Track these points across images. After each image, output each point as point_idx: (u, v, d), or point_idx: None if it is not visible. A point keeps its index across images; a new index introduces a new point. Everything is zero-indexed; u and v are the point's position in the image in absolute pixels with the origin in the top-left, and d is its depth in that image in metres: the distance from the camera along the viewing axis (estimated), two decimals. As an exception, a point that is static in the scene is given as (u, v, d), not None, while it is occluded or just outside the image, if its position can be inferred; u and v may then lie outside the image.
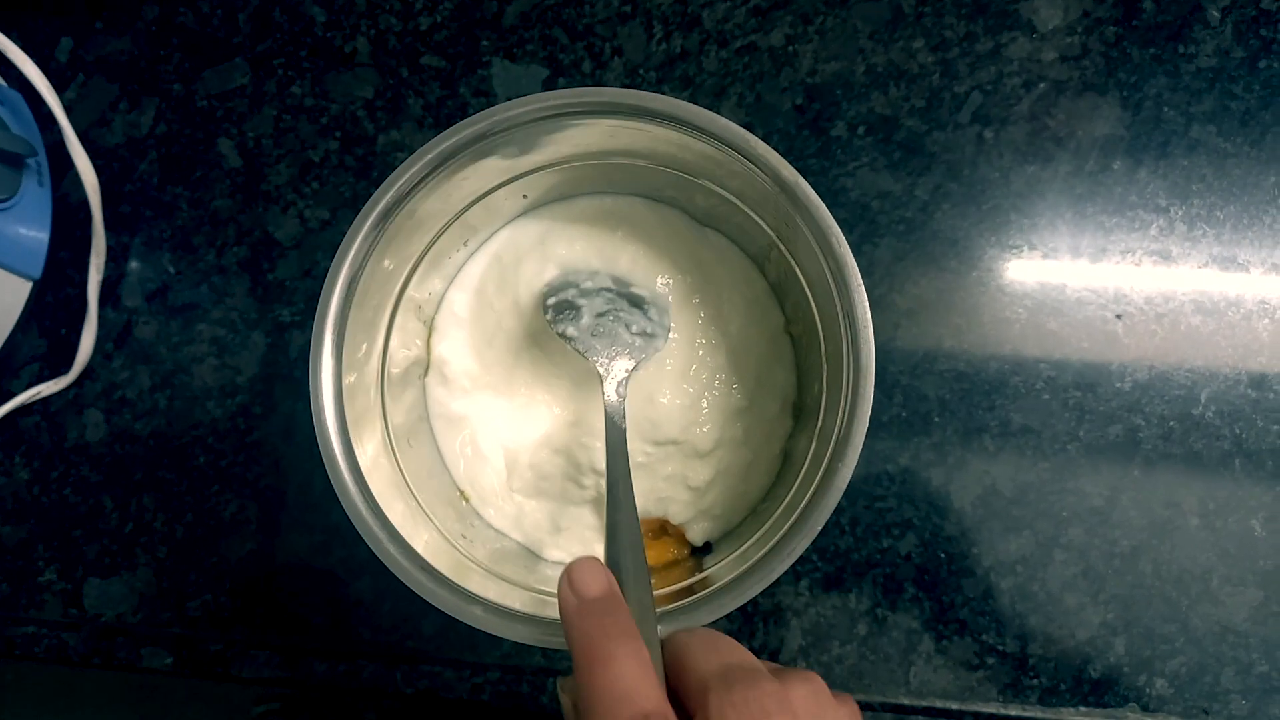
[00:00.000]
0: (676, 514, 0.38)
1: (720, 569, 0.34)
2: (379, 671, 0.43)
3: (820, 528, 0.31)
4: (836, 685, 0.41)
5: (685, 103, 0.32)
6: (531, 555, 0.39)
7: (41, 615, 0.44)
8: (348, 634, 0.43)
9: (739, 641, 0.27)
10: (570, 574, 0.25)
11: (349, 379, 0.33)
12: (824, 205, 0.32)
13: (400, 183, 0.33)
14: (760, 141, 0.32)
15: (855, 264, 0.32)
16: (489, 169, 0.35)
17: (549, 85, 0.44)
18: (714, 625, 0.40)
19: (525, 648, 0.42)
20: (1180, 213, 0.43)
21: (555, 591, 0.35)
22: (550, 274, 0.39)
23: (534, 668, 0.42)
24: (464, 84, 0.45)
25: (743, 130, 0.32)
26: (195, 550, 0.44)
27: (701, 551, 0.39)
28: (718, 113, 0.43)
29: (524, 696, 0.42)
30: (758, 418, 0.38)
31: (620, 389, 0.36)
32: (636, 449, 0.38)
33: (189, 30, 0.46)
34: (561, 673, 0.42)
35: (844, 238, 0.32)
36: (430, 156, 0.33)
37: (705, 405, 0.38)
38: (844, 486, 0.31)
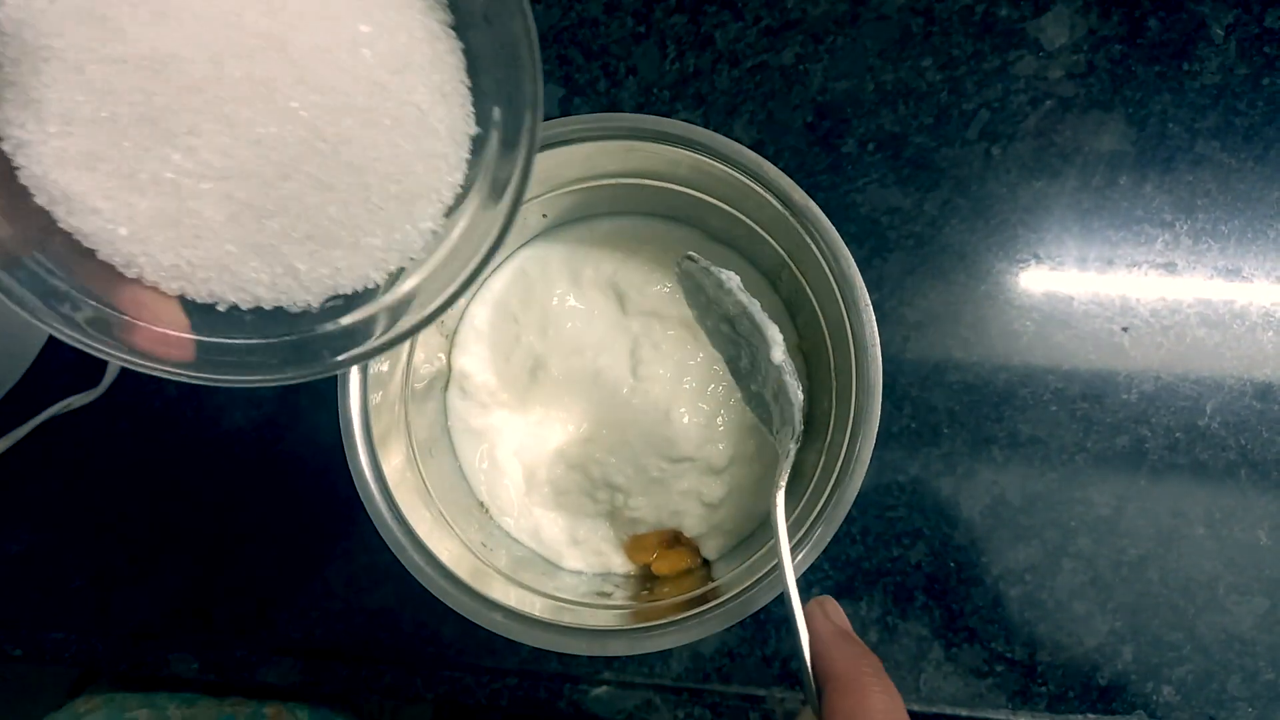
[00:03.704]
0: (690, 528, 0.39)
1: (731, 579, 0.35)
2: (400, 677, 0.44)
3: (827, 542, 0.32)
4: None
5: (701, 129, 0.33)
6: (550, 564, 0.40)
7: (71, 621, 0.45)
8: (369, 640, 0.44)
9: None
10: (825, 605, 0.29)
11: (375, 397, 0.34)
12: (834, 229, 0.33)
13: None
14: (772, 166, 0.33)
15: (864, 286, 0.32)
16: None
17: (565, 103, 0.45)
18: (724, 633, 0.41)
19: (543, 654, 0.42)
20: (1185, 227, 0.43)
21: (573, 599, 0.36)
22: (577, 295, 0.40)
23: (551, 673, 0.43)
24: (482, 103, 0.45)
25: (756, 155, 0.33)
26: (220, 558, 0.45)
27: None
28: (730, 130, 0.45)
29: (541, 702, 0.43)
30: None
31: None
32: (652, 464, 0.39)
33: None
34: (582, 679, 0.43)
35: (853, 261, 0.33)
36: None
37: (720, 423, 0.39)
38: (850, 502, 0.32)
